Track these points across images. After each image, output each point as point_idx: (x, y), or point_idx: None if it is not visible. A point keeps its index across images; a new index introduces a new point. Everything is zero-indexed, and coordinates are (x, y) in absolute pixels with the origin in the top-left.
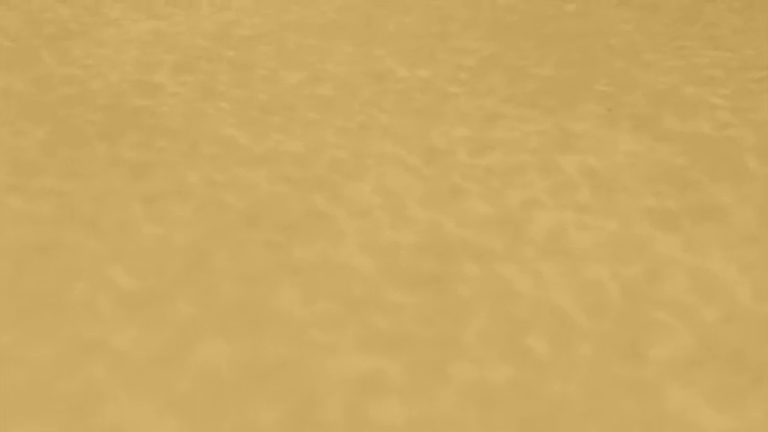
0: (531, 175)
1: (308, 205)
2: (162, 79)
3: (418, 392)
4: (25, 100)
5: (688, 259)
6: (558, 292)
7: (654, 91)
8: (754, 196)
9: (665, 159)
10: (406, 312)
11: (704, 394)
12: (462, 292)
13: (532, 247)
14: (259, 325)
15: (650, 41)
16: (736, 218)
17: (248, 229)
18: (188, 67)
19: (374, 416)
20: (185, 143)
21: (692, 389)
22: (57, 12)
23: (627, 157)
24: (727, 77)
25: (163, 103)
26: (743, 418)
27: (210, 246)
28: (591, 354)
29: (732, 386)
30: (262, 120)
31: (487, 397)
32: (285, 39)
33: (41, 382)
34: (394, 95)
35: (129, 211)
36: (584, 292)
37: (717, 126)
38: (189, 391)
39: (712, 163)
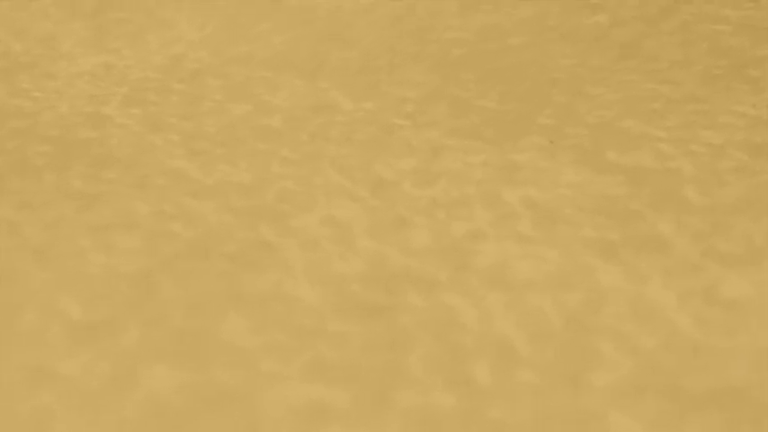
0: (475, 206)
1: (256, 235)
2: (111, 111)
3: (363, 420)
4: None
5: (629, 288)
6: (501, 322)
7: (596, 123)
8: (694, 226)
9: (607, 191)
10: (352, 342)
11: (645, 421)
12: (407, 322)
13: (476, 278)
14: (206, 353)
15: (592, 75)
16: (676, 248)
17: (196, 259)
18: (137, 100)
19: None
20: (134, 174)
21: (632, 416)
22: (9, 45)
23: (569, 188)
24: (668, 110)
25: (112, 134)
26: None
27: (159, 275)
28: (533, 381)
29: (672, 413)
30: (210, 151)
31: (431, 424)
32: (232, 72)
33: None
34: (340, 127)
35: (79, 241)
36: (527, 322)
37: (657, 158)
38: (137, 418)
39: (653, 194)
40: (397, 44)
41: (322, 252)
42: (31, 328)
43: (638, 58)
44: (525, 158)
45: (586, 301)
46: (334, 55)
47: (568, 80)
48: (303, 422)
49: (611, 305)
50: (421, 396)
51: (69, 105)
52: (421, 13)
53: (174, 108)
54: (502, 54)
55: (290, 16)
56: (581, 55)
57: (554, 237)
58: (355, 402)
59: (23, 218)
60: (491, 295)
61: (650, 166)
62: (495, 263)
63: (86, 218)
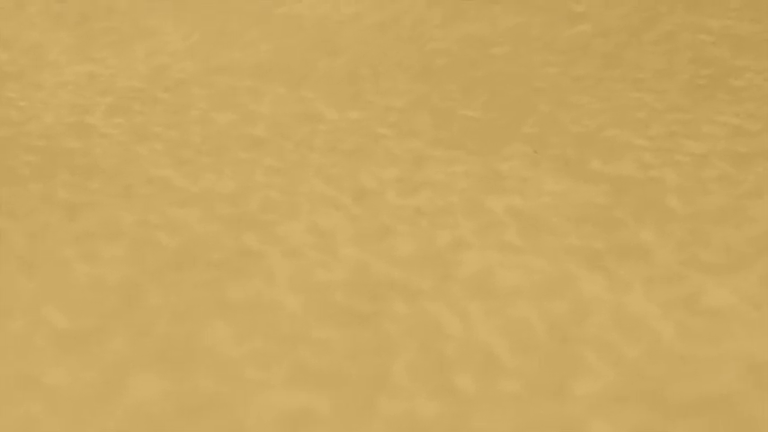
0: (458, 215)
1: (240, 244)
2: (96, 121)
3: (347, 427)
4: None
5: (612, 298)
6: (484, 330)
7: (579, 133)
8: (677, 235)
9: (590, 200)
10: (336, 349)
11: (628, 430)
12: (391, 330)
13: (460, 286)
14: (191, 362)
15: (575, 84)
16: (659, 257)
17: (181, 268)
18: (122, 109)
19: None
20: (119, 184)
21: (615, 425)
22: None
23: (552, 197)
24: (651, 119)
25: (97, 144)
26: None
27: (143, 284)
28: (517, 390)
29: (655, 422)
30: (195, 160)
31: None
32: (217, 81)
33: None
34: (324, 136)
35: (64, 250)
36: (511, 330)
37: (640, 167)
38: (123, 426)
39: (636, 203)
40: (381, 54)
41: (306, 260)
42: (17, 336)
43: (621, 67)
44: (509, 168)
45: (570, 311)
46: (318, 65)
47: (552, 90)
48: (287, 429)
49: (594, 314)
50: (404, 404)
51: (54, 115)
52: (405, 24)
53: (159, 117)
54: (485, 64)
55: (276, 26)
56: (564, 65)
57: (538, 246)
58: (339, 410)
59: (9, 227)
60: (475, 304)
61: (633, 175)
62: (479, 272)
63: (71, 227)
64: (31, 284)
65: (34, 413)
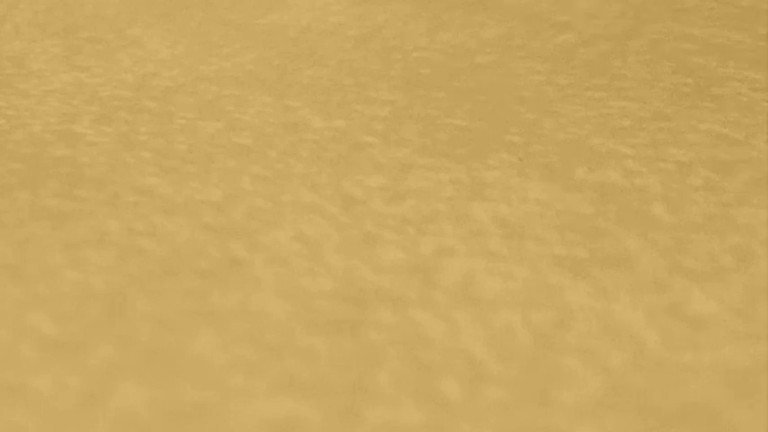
0: (444, 223)
1: (226, 252)
2: (83, 129)
3: None
4: None
5: (597, 306)
6: (469, 338)
7: (564, 141)
8: (661, 243)
9: (575, 208)
10: (322, 358)
11: None
12: (376, 338)
13: (445, 294)
14: (177, 370)
15: (560, 93)
16: (643, 265)
17: (167, 276)
18: (108, 118)
19: None
20: (106, 192)
21: None
22: None
23: (537, 205)
24: (636, 127)
25: (84, 152)
26: None
27: (130, 292)
28: (502, 398)
29: (640, 430)
30: (181, 169)
31: None
32: (203, 90)
33: None
34: (310, 145)
35: (51, 258)
36: (495, 338)
37: (625, 175)
38: None
39: (620, 211)
40: (365, 63)
41: (292, 268)
42: (3, 343)
43: (605, 76)
44: (494, 176)
45: (555, 319)
46: (303, 74)
47: (536, 98)
48: None
49: (579, 322)
50: (390, 411)
51: (41, 123)
52: (389, 33)
53: (145, 126)
54: (470, 73)
55: (260, 36)
56: (549, 73)
57: (522, 254)
58: (324, 418)
59: None
60: (460, 312)
61: (618, 184)
62: (464, 280)
63: (58, 235)
64: (17, 292)
65: (19, 420)
